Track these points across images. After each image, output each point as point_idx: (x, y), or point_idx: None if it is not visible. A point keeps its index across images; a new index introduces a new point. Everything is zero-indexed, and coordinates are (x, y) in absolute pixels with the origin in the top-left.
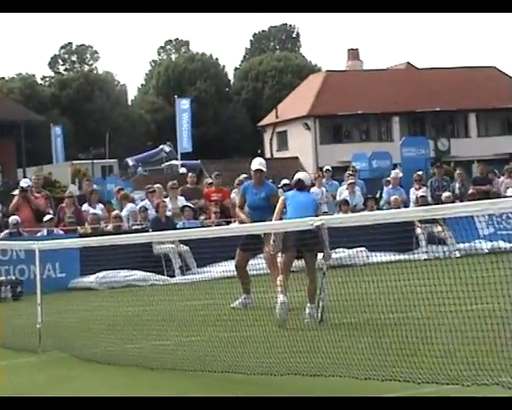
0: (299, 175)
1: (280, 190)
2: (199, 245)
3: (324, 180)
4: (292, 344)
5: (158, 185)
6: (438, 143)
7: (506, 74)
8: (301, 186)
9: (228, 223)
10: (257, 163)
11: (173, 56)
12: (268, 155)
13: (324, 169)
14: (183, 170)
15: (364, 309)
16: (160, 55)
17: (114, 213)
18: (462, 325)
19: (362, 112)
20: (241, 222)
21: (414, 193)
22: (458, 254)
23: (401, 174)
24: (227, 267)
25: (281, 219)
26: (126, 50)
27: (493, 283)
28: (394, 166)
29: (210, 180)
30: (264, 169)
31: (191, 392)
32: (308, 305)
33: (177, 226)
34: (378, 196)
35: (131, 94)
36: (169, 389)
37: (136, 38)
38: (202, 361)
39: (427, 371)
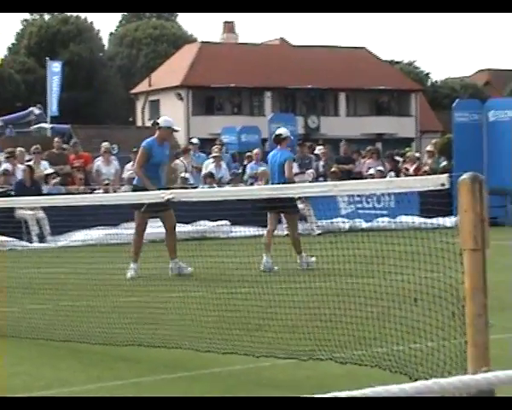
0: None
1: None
2: (59, 213)
3: (192, 152)
4: (139, 316)
5: (20, 149)
6: (308, 120)
7: (376, 56)
8: None
9: (92, 190)
10: (169, 121)
11: (46, 17)
12: (140, 124)
13: (194, 141)
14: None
15: (219, 283)
16: (32, 14)
17: None
18: (308, 302)
19: (235, 85)
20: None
21: None
22: (318, 232)
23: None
24: (88, 236)
25: None
26: None
27: (341, 262)
28: (263, 141)
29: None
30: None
31: (31, 360)
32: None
33: (42, 192)
34: (240, 171)
35: (1, 53)
36: (10, 356)
37: None
38: (45, 330)
39: (267, 345)
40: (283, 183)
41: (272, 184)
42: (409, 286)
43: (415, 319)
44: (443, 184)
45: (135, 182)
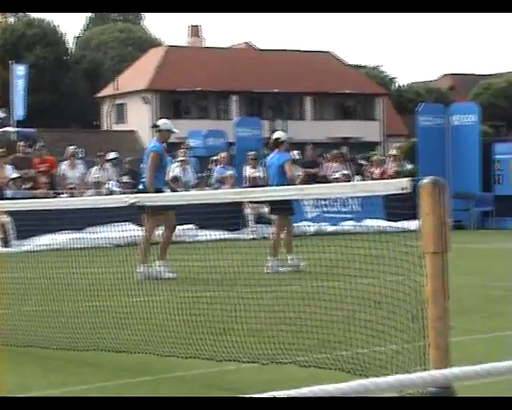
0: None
1: None
2: (24, 217)
3: None
4: (102, 320)
5: None
6: (274, 124)
7: (341, 60)
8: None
9: (57, 194)
10: (168, 123)
11: (10, 20)
12: (105, 128)
13: None
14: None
15: (184, 286)
16: None
17: None
18: (273, 306)
19: (201, 89)
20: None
21: (247, 172)
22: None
23: (224, 154)
24: (53, 240)
25: None
26: None
27: (306, 265)
28: (229, 145)
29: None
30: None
31: None
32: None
33: (6, 197)
34: (205, 174)
35: None
36: None
37: None
38: (7, 335)
39: (230, 349)
40: (283, 184)
41: (272, 185)
42: (373, 289)
43: (379, 322)
44: (405, 188)
45: (141, 186)
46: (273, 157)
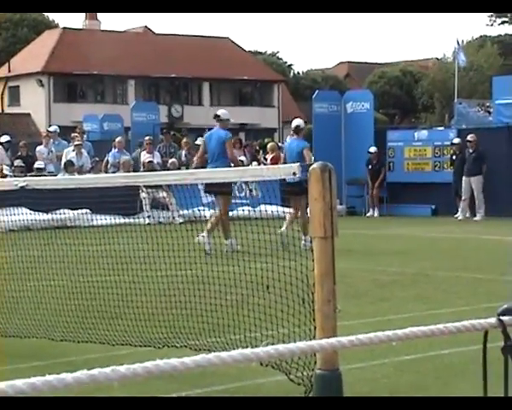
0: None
1: None
2: None
3: (51, 140)
4: None
5: None
6: (172, 109)
7: (239, 46)
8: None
9: None
10: (227, 113)
11: None
12: None
13: (51, 129)
14: None
15: (77, 271)
16: None
17: None
18: (165, 290)
19: (97, 72)
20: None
21: (143, 157)
22: (181, 220)
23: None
24: None
25: None
26: None
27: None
28: (126, 130)
29: None
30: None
31: None
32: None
33: None
34: (98, 159)
35: None
36: None
37: None
38: None
39: (123, 333)
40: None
41: None
42: (265, 274)
43: (267, 306)
44: (294, 173)
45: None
46: (292, 143)
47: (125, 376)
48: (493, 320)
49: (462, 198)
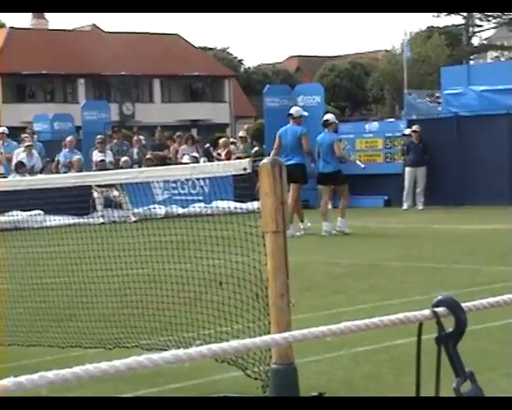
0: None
1: None
2: None
3: (0, 141)
4: None
5: None
6: (123, 107)
7: (189, 43)
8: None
9: None
10: (300, 110)
11: None
12: None
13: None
14: None
15: (27, 273)
16: None
17: None
18: (116, 290)
19: (47, 72)
20: None
21: (95, 156)
22: (134, 219)
23: (70, 137)
24: None
25: None
26: None
27: (152, 248)
28: (77, 129)
29: None
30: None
31: None
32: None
33: None
34: (49, 159)
35: None
36: None
37: None
38: None
39: (74, 335)
40: (332, 160)
41: (324, 161)
42: (218, 270)
43: (221, 303)
44: (245, 169)
45: (292, 162)
46: (323, 136)
47: (54, 381)
48: (427, 312)
49: (406, 188)
